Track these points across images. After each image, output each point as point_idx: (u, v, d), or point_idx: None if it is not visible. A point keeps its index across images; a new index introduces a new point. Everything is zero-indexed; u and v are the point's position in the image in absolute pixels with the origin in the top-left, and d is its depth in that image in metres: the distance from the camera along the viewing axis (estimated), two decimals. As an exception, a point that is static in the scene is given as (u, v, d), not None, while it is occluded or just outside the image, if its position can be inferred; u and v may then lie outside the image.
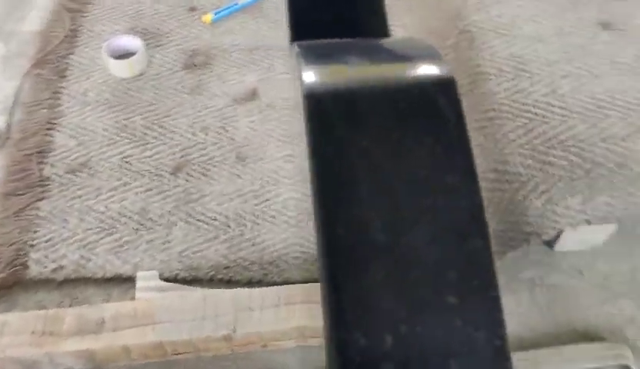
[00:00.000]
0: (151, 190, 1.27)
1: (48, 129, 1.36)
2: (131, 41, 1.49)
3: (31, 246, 1.18)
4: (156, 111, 1.39)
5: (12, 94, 1.45)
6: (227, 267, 1.17)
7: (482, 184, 0.49)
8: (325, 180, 0.46)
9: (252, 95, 1.44)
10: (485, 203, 0.44)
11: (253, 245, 1.20)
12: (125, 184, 1.27)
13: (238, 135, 1.36)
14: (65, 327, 1.01)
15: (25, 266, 1.15)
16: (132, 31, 1.55)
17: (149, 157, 1.32)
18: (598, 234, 1.21)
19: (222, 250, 1.19)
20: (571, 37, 1.38)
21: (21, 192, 1.26)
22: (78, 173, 1.28)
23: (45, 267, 1.15)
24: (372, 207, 0.44)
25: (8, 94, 1.45)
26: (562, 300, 1.19)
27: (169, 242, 1.20)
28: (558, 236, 1.20)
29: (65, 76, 1.47)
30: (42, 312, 1.04)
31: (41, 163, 1.30)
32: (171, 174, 1.29)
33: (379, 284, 0.42)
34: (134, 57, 1.45)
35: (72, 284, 1.14)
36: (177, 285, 1.12)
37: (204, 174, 1.29)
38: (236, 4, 1.61)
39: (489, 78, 1.30)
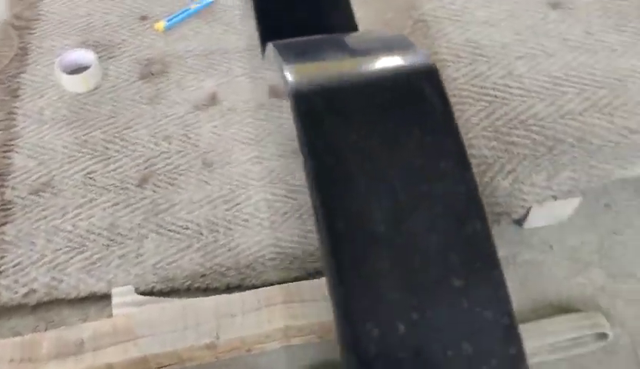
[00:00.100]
0: (118, 204, 1.24)
1: (6, 151, 1.32)
2: (84, 55, 1.46)
3: (0, 272, 1.15)
4: (116, 123, 1.37)
5: (-36, 118, 1.41)
6: (203, 275, 1.16)
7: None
8: (320, 176, 0.46)
9: (212, 100, 1.42)
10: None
11: (228, 250, 1.19)
12: (90, 201, 1.24)
13: (202, 141, 1.35)
14: (43, 352, 0.99)
15: (-5, 293, 1.12)
16: (84, 44, 1.52)
17: (113, 171, 1.29)
18: (565, 208, 1.24)
19: (197, 258, 1.18)
20: (522, 19, 1.41)
21: (-17, 218, 1.23)
22: (41, 193, 1.25)
23: (16, 292, 1.12)
24: (370, 199, 0.44)
25: (-40, 118, 1.40)
26: (535, 275, 1.21)
27: (142, 255, 1.18)
28: (526, 214, 1.22)
29: (17, 96, 1.43)
30: (18, 339, 1.01)
31: (1, 186, 1.26)
32: (137, 186, 1.27)
33: (385, 274, 0.42)
34: (88, 71, 1.42)
35: (46, 307, 1.11)
36: (154, 298, 1.10)
37: (171, 184, 1.28)
38: (188, 10, 1.59)
39: (447, 65, 1.32)
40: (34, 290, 1.12)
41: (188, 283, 1.15)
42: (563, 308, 1.16)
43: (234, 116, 1.39)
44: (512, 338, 0.41)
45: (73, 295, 1.12)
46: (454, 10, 1.43)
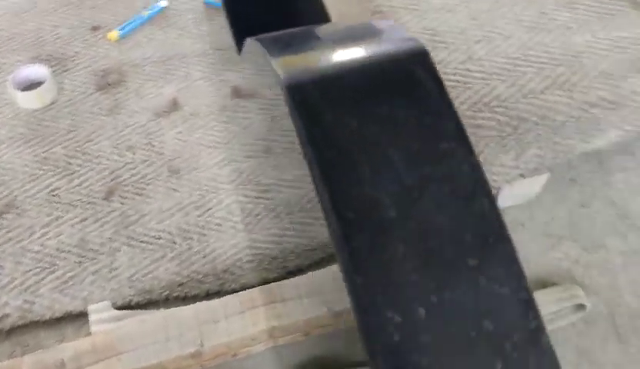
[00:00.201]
0: (86, 219, 1.21)
1: (-37, 175, 1.28)
2: (37, 70, 1.41)
3: (-32, 300, 1.10)
4: (76, 137, 1.33)
5: None
6: (181, 284, 1.14)
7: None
8: (324, 167, 0.45)
9: (174, 106, 1.40)
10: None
11: (204, 257, 1.17)
12: (57, 219, 1.21)
13: (167, 149, 1.32)
14: (23, 377, 0.95)
15: (-35, 322, 1.08)
16: (36, 59, 1.47)
17: (78, 186, 1.26)
18: (533, 185, 1.26)
19: (173, 267, 1.16)
20: (476, 3, 1.42)
21: (-56, 246, 1.18)
22: (4, 215, 1.21)
23: (-13, 319, 1.08)
24: (377, 185, 0.44)
25: None
26: (510, 254, 1.23)
27: (116, 269, 1.15)
28: (496, 194, 1.24)
29: (-30, 117, 1.38)
30: (-5, 366, 0.97)
31: (-39, 211, 1.22)
32: (105, 199, 1.24)
33: (400, 259, 0.42)
34: (42, 86, 1.38)
35: (21, 331, 1.08)
36: (133, 311, 1.08)
37: (138, 194, 1.25)
38: (140, 17, 1.56)
39: (407, 54, 1.33)
40: (6, 315, 1.08)
41: (166, 293, 1.13)
42: (541, 283, 1.17)
43: (197, 120, 1.37)
44: (531, 312, 0.41)
45: (48, 316, 1.08)
46: (409, -1, 1.44)
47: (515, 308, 0.41)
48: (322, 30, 0.62)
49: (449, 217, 0.43)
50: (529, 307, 0.41)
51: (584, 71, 1.32)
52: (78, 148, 1.31)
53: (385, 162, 0.45)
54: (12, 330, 1.08)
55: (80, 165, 1.29)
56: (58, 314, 1.09)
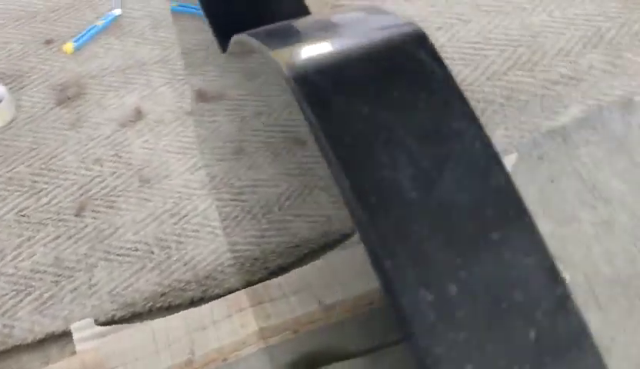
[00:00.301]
0: (59, 237, 1.18)
1: None
2: (-8, 89, 1.37)
3: (-58, 331, 1.06)
4: (40, 155, 1.30)
5: None
6: (163, 294, 1.12)
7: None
8: (341, 155, 0.45)
9: (138, 115, 1.37)
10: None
11: (184, 265, 1.15)
12: (28, 239, 1.17)
13: (135, 159, 1.30)
14: (10, 404, 0.92)
15: (-60, 355, 1.04)
16: (-11, 77, 1.43)
17: (47, 204, 1.22)
18: (504, 166, 1.28)
19: (153, 278, 1.13)
20: (433, -10, 1.44)
21: None
22: (-28, 240, 1.17)
23: (-36, 348, 1.04)
24: (395, 169, 0.44)
25: None
26: (487, 235, 1.25)
27: (95, 285, 1.12)
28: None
29: None
30: (-21, 396, 0.94)
31: None
32: (76, 215, 1.21)
33: (427, 238, 0.42)
34: (-1, 105, 1.34)
35: (2, 357, 1.04)
36: (117, 326, 1.06)
37: (110, 207, 1.22)
38: (95, 27, 1.52)
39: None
40: (-15, 343, 1.05)
41: (149, 304, 1.10)
42: (519, 261, 1.20)
43: (163, 128, 1.35)
44: (556, 279, 0.42)
45: (30, 339, 1.05)
46: (366, -9, 1.45)
47: (541, 277, 0.42)
48: (316, 21, 0.62)
49: (468, 194, 0.44)
50: (553, 274, 0.42)
51: (543, 50, 1.35)
52: (42, 166, 1.28)
53: (400, 145, 0.45)
54: (-7, 358, 1.05)
55: (47, 183, 1.25)
56: (39, 336, 1.05)
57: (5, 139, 1.32)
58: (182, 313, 1.04)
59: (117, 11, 1.56)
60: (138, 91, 1.42)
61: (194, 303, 1.11)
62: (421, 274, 0.40)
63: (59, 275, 1.13)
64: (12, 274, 1.12)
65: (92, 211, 1.21)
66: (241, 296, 1.06)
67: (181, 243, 1.18)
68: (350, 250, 1.13)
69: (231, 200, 1.23)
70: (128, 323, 1.07)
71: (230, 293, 1.09)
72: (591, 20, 1.42)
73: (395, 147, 0.45)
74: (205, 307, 1.04)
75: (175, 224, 1.20)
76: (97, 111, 1.38)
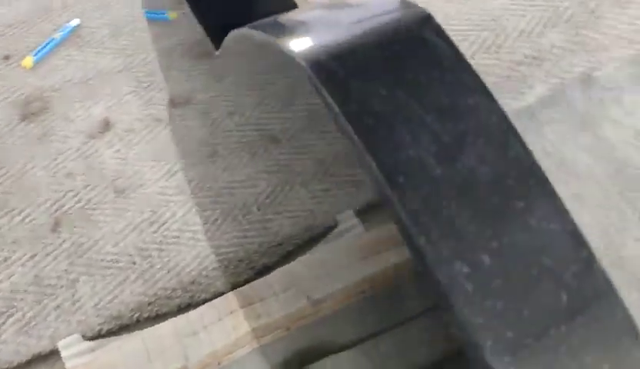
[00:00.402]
0: (36, 255, 1.15)
1: None
2: (-48, 109, 1.33)
3: None
4: (9, 173, 1.26)
5: None
6: (150, 303, 1.10)
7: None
8: (366, 138, 0.45)
9: (106, 125, 1.35)
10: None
11: (168, 272, 1.14)
12: (5, 260, 1.14)
13: (108, 170, 1.28)
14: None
15: None
16: (-52, 98, 1.39)
17: (21, 222, 1.19)
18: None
19: (138, 288, 1.12)
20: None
21: None
22: (-54, 266, 1.13)
23: (-52, 377, 1.02)
24: (418, 147, 0.45)
25: None
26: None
27: (79, 300, 1.10)
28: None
29: None
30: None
31: None
32: (52, 231, 1.18)
33: (456, 212, 0.43)
34: (-39, 125, 1.30)
35: (-10, 383, 1.02)
36: (106, 340, 1.04)
37: (87, 220, 1.20)
38: (53, 40, 1.49)
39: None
40: (-30, 369, 1.02)
41: (136, 315, 1.09)
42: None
43: (133, 136, 1.33)
44: (580, 242, 0.44)
45: (16, 362, 1.02)
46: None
47: (566, 241, 0.44)
48: (317, 9, 0.62)
49: (490, 167, 0.45)
50: (577, 237, 0.43)
51: (506, 33, 1.38)
52: (13, 183, 1.25)
53: (421, 124, 0.46)
54: (-20, 384, 1.02)
55: (19, 201, 1.22)
56: (26, 358, 1.03)
57: (-30, 160, 1.29)
58: (172, 320, 1.03)
59: (75, 22, 1.53)
60: (103, 102, 1.39)
61: (181, 310, 1.11)
62: (455, 247, 0.42)
63: (41, 293, 1.11)
64: (-8, 297, 1.10)
65: (69, 226, 1.19)
66: (231, 298, 1.05)
67: (162, 251, 1.17)
68: (334, 243, 1.14)
69: (210, 203, 1.22)
70: (117, 336, 1.06)
71: (217, 297, 1.08)
72: (549, 0, 1.45)
73: (415, 125, 0.46)
74: (194, 313, 1.04)
75: (155, 232, 1.19)
76: (63, 124, 1.35)
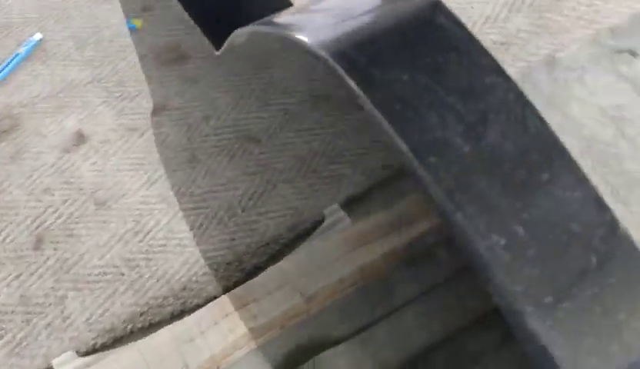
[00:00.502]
0: (21, 275, 1.13)
1: None
2: None
3: None
4: (-16, 193, 1.24)
5: None
6: (142, 314, 1.10)
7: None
8: (395, 122, 0.46)
9: (80, 138, 1.33)
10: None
11: (157, 281, 1.13)
12: (-11, 282, 1.12)
13: (86, 183, 1.26)
14: None
15: None
16: None
17: (1, 242, 1.17)
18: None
19: (128, 299, 1.11)
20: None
21: None
22: None
23: (-60, 406, 0.99)
24: (445, 127, 0.46)
25: None
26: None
27: (69, 317, 1.08)
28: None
29: None
30: None
31: None
32: (35, 249, 1.16)
33: (487, 187, 0.44)
34: None
35: (-15, 408, 1.00)
36: (102, 354, 1.03)
37: (70, 235, 1.18)
38: (17, 56, 1.46)
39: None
40: (-37, 396, 1.00)
41: (129, 326, 1.08)
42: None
43: (109, 147, 1.31)
44: (603, 207, 0.45)
45: (11, 384, 1.01)
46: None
47: (591, 207, 0.45)
48: (324, 2, 0.63)
49: (514, 142, 0.47)
50: (600, 202, 0.45)
51: (472, 20, 1.40)
52: (-11, 204, 1.22)
53: (445, 106, 0.48)
54: (-24, 409, 1.00)
55: (-3, 221, 1.20)
56: (21, 379, 1.02)
57: (-58, 183, 1.25)
58: (167, 328, 1.02)
59: (37, 36, 1.51)
60: (75, 114, 1.37)
61: (175, 317, 1.10)
62: (490, 221, 0.43)
63: (29, 313, 1.09)
64: (-21, 321, 1.07)
65: (51, 243, 1.17)
66: (225, 301, 1.05)
67: (150, 260, 1.16)
68: (323, 238, 1.14)
69: (193, 209, 1.22)
70: (112, 349, 1.05)
71: (209, 301, 1.08)
72: (511, -14, 1.49)
73: (439, 107, 0.48)
74: (190, 319, 1.03)
75: (141, 241, 1.18)
76: (36, 140, 1.32)
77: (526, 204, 0.44)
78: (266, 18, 0.62)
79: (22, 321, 1.08)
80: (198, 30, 1.47)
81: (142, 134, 1.33)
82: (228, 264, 1.15)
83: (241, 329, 1.02)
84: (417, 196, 1.12)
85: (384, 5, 0.56)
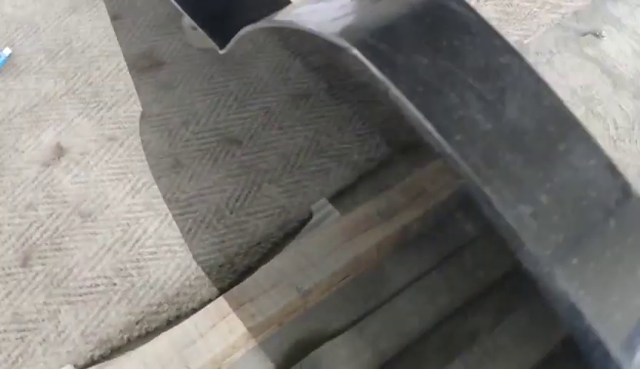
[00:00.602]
0: (11, 292, 1.12)
1: None
2: None
3: None
4: (-35, 214, 1.22)
5: None
6: (138, 322, 1.09)
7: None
8: (420, 105, 0.48)
9: (60, 151, 1.32)
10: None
11: (151, 288, 1.13)
12: (-21, 302, 1.11)
13: (69, 196, 1.25)
14: None
15: None
16: None
17: (-12, 262, 1.16)
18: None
19: (123, 309, 1.11)
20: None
21: None
22: None
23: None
24: (467, 107, 0.48)
25: None
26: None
27: (64, 331, 1.08)
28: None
29: None
30: None
31: None
32: (23, 266, 1.15)
33: (511, 161, 0.46)
34: None
35: (-13, 429, 0.98)
36: (101, 365, 1.02)
37: (58, 250, 1.17)
38: (-13, 72, 1.44)
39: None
40: (-37, 419, 0.98)
41: (126, 336, 1.08)
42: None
43: (90, 158, 1.31)
44: (616, 172, 0.48)
45: (11, 403, 1.00)
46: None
47: (606, 174, 0.48)
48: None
49: (531, 117, 0.49)
50: (613, 169, 0.48)
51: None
52: (-28, 224, 1.21)
53: (465, 86, 0.50)
54: (-23, 431, 0.98)
55: (-18, 240, 1.18)
56: (21, 397, 1.01)
57: None
58: (166, 333, 1.02)
59: (7, 51, 1.49)
60: (52, 127, 1.36)
61: (171, 323, 1.10)
62: (516, 192, 0.46)
63: (22, 330, 1.07)
64: (-28, 342, 1.06)
65: (39, 258, 1.16)
66: (222, 303, 1.05)
67: (141, 268, 1.15)
68: (313, 233, 1.16)
69: (181, 214, 1.21)
70: (110, 359, 1.05)
71: (204, 305, 1.08)
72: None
73: (461, 88, 0.50)
74: (187, 323, 1.03)
75: (130, 250, 1.17)
76: (15, 156, 1.31)
77: (547, 174, 0.47)
78: (275, 14, 0.63)
79: (16, 339, 1.06)
80: (170, 36, 1.47)
81: (122, 143, 1.32)
82: (220, 266, 1.15)
83: (241, 329, 1.02)
84: (404, 184, 1.14)
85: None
